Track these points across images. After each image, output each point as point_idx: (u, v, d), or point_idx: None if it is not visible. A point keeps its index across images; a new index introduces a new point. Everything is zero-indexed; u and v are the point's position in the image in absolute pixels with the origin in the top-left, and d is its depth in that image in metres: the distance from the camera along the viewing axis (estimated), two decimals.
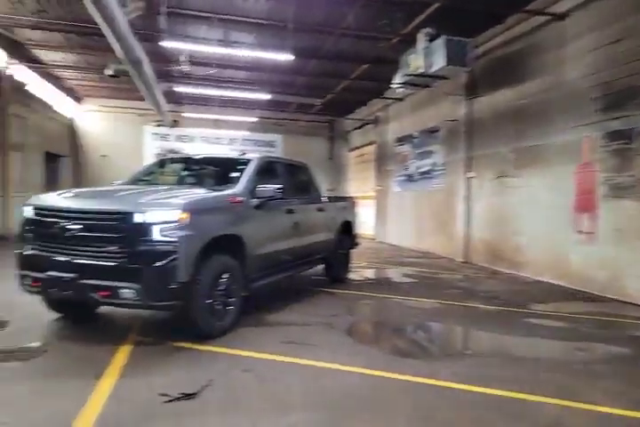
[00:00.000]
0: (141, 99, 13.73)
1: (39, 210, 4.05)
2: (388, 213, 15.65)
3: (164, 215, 3.75)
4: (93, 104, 18.08)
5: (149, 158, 18.22)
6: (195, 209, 3.93)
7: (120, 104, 17.86)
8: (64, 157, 17.60)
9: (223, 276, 4.23)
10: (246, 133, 19.04)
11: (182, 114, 17.12)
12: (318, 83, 14.45)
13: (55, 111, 16.24)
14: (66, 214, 3.85)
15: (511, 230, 9.04)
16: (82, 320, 4.62)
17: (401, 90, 11.14)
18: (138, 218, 3.68)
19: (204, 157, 6.11)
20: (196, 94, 15.51)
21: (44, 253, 3.95)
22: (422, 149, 13.15)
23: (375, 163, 16.55)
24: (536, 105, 8.37)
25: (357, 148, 18.79)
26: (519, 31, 8.87)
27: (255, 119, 17.40)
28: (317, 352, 3.84)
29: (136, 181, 5.55)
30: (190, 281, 3.81)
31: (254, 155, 5.54)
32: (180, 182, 5.77)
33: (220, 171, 5.68)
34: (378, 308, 5.69)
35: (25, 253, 4.07)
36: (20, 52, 12.57)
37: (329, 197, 7.09)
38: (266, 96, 12.97)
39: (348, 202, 7.86)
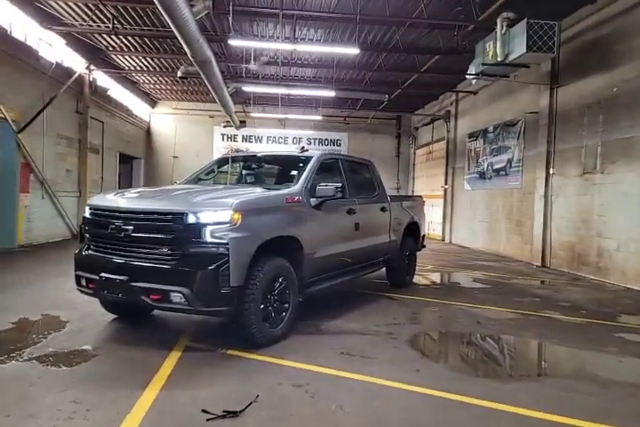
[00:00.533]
0: (212, 101, 14.03)
1: (95, 210, 4.02)
2: (457, 213, 14.87)
3: (216, 216, 3.55)
4: (167, 107, 18.80)
5: None
6: (248, 209, 3.71)
7: (192, 106, 18.45)
8: (138, 159, 18.44)
9: (278, 280, 3.99)
10: (311, 132, 18.94)
11: (250, 114, 17.30)
12: (386, 77, 13.99)
13: (132, 114, 17.01)
14: (118, 214, 3.77)
15: (597, 232, 8.13)
16: (137, 322, 4.56)
17: (475, 81, 10.47)
18: (188, 218, 3.51)
19: (264, 155, 5.92)
20: (262, 93, 15.61)
21: (98, 254, 3.90)
22: (497, 144, 12.30)
23: (444, 160, 15.79)
24: (630, 93, 7.44)
25: (425, 145, 18.07)
26: (611, 12, 7.94)
27: (320, 117, 17.18)
28: (376, 367, 3.48)
29: (196, 180, 5.47)
30: (243, 286, 3.60)
31: (315, 152, 5.26)
32: (240, 181, 5.62)
33: (279, 169, 5.46)
34: (444, 317, 5.20)
35: (81, 253, 4.05)
36: (98, 58, 13.24)
37: (394, 197, 6.66)
38: (331, 93, 12.68)
39: (415, 201, 7.39)
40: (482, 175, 13.12)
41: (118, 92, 15.52)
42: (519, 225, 10.99)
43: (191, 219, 3.51)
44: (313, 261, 4.46)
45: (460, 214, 14.64)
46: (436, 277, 8.12)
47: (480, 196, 13.19)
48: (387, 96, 13.68)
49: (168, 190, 4.32)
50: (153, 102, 18.84)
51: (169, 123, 19.00)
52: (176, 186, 5.01)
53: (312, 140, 18.94)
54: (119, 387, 2.98)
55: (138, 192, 4.20)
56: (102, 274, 3.69)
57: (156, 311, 4.70)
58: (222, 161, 5.74)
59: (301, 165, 4.87)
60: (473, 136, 13.80)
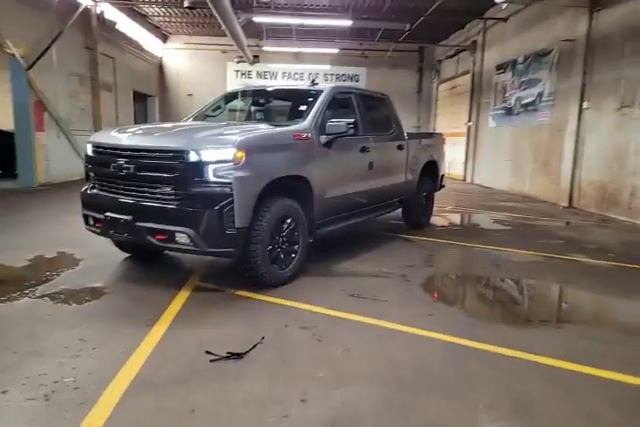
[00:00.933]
0: (224, 34, 13.30)
1: (97, 147, 3.86)
2: (480, 152, 14.32)
3: (218, 154, 3.36)
4: (178, 42, 18.01)
5: None
6: (252, 147, 3.49)
7: (204, 41, 17.63)
8: (152, 97, 18.01)
9: (286, 221, 3.85)
10: (328, 67, 18.05)
11: (263, 48, 16.45)
12: (407, 4, 12.89)
13: (143, 50, 16.36)
14: (119, 152, 3.60)
15: (631, 171, 7.70)
16: (149, 261, 4.56)
17: (506, 5, 9.59)
18: (190, 156, 3.32)
19: (274, 89, 5.55)
20: (275, 25, 14.71)
21: (103, 193, 3.80)
22: (527, 76, 11.49)
23: (468, 95, 14.96)
24: None
25: (449, 79, 17.09)
26: None
27: (337, 51, 16.22)
28: (387, 310, 3.41)
29: (203, 116, 5.22)
30: (249, 227, 3.48)
31: (326, 84, 4.90)
32: (248, 118, 5.35)
33: (290, 104, 5.14)
34: (462, 259, 5.07)
35: (86, 192, 3.96)
36: None
37: (412, 134, 6.31)
38: (347, 23, 11.84)
39: (435, 139, 7.02)
40: (508, 111, 12.42)
41: (127, 26, 14.80)
42: (546, 164, 10.52)
43: (193, 157, 3.33)
44: (323, 202, 4.29)
45: (483, 153, 14.10)
46: (455, 219, 7.92)
47: (506, 133, 12.58)
48: (408, 25, 12.73)
49: (170, 127, 4.11)
50: (164, 37, 18.02)
51: (182, 59, 18.29)
52: (179, 122, 4.78)
53: (329, 76, 18.07)
54: (126, 325, 2.99)
55: (140, 129, 4.00)
56: (107, 214, 3.61)
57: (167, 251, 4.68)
58: (230, 96, 5.43)
59: (311, 99, 4.55)
60: (501, 68, 12.91)
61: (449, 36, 16.60)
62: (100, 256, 4.57)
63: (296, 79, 18.15)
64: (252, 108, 5.34)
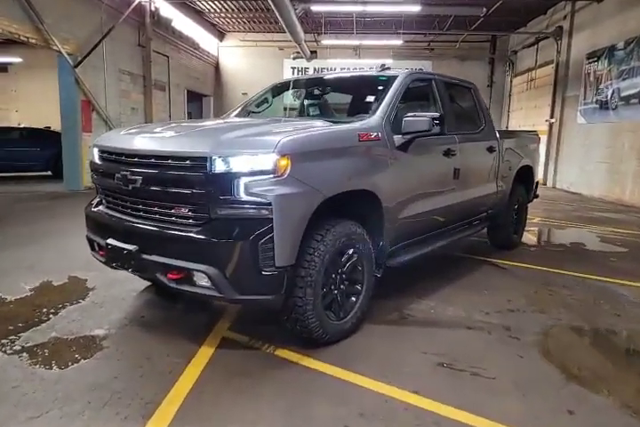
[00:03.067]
0: (281, 30, 12.54)
1: (102, 152, 2.97)
2: (564, 152, 12.56)
3: (253, 161, 2.35)
4: (234, 39, 17.45)
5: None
6: (300, 152, 2.46)
7: (260, 37, 16.98)
8: (207, 97, 17.54)
9: (346, 252, 2.80)
10: (390, 62, 16.76)
11: (322, 41, 15.44)
12: None
13: (199, 48, 15.89)
14: (124, 159, 2.68)
15: None
16: (169, 293, 3.65)
17: None
18: (214, 165, 2.34)
19: (333, 78, 4.43)
20: (335, 15, 13.69)
21: (108, 212, 2.92)
22: (629, 64, 9.73)
23: (551, 88, 13.21)
24: None
25: (526, 71, 15.34)
26: None
27: (400, 42, 14.91)
28: (500, 400, 2.26)
29: (246, 113, 4.25)
30: (294, 264, 2.46)
31: (400, 70, 3.79)
32: (301, 113, 4.34)
33: (353, 96, 4.07)
34: (580, 300, 3.75)
35: (91, 208, 3.09)
36: None
37: (504, 133, 5.06)
38: (415, 8, 10.60)
39: (529, 139, 5.69)
40: (603, 105, 10.68)
41: (183, 23, 14.32)
42: None
43: (218, 166, 2.34)
44: (396, 224, 3.20)
45: (568, 153, 12.34)
46: (550, 236, 6.52)
47: (599, 130, 10.83)
48: (484, 10, 11.28)
49: (193, 125, 3.15)
50: (220, 35, 17.50)
51: (237, 57, 17.70)
52: (210, 120, 3.86)
53: None
54: (109, 417, 2.04)
55: (156, 128, 3.07)
56: (109, 241, 2.71)
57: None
58: (280, 87, 4.42)
59: (382, 88, 3.46)
60: (593, 56, 11.16)
61: (527, 23, 14.89)
62: (115, 284, 3.72)
63: None
64: (306, 102, 4.31)
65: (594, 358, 2.79)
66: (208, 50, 16.79)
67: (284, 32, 11.78)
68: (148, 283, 3.74)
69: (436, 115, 3.13)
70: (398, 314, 3.30)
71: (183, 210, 2.49)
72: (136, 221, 2.65)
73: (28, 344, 2.69)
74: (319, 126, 2.91)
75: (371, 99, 3.46)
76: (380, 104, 3.23)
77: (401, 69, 3.89)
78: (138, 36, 11.80)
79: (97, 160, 3.00)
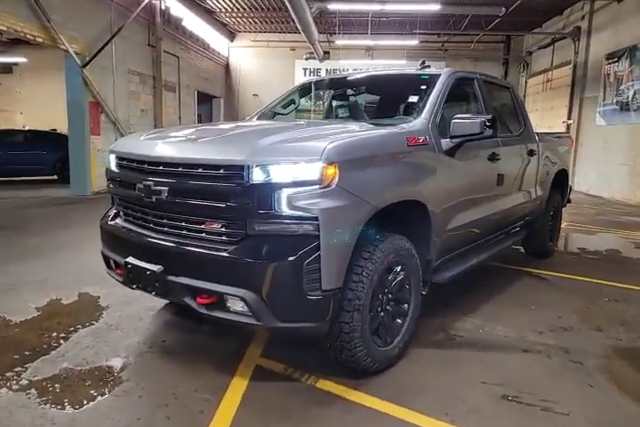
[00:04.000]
0: (293, 30, 12.28)
1: (120, 159, 2.68)
2: (583, 155, 12.21)
3: (297, 170, 2.07)
4: (246, 40, 17.22)
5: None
6: (348, 159, 2.17)
7: (272, 38, 16.71)
8: (217, 98, 17.29)
9: (394, 269, 2.51)
10: (403, 62, 16.49)
11: (335, 42, 15.12)
12: None
13: (209, 49, 15.64)
14: (147, 167, 2.39)
15: None
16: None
17: None
18: (252, 175, 2.05)
19: (365, 76, 4.06)
20: (350, 15, 13.38)
21: (127, 226, 2.63)
22: None
23: (568, 89, 12.88)
24: None
25: (542, 72, 15.01)
26: None
27: (416, 42, 14.59)
28: None
29: (271, 115, 3.96)
30: (342, 287, 2.17)
31: (441, 69, 3.48)
32: (330, 115, 4.04)
33: (388, 95, 3.76)
34: (638, 315, 3.46)
35: (107, 222, 2.81)
36: None
37: (542, 135, 4.75)
38: (434, 7, 10.30)
39: (564, 141, 5.39)
40: (624, 106, 10.35)
41: (193, 22, 14.07)
42: None
43: (256, 175, 2.06)
44: (443, 236, 2.91)
45: (587, 156, 12.00)
46: (582, 241, 6.18)
47: (619, 132, 10.50)
48: (503, 9, 10.97)
49: (225, 129, 2.86)
50: (231, 35, 17.25)
51: (249, 58, 17.44)
52: (240, 122, 3.57)
53: None
54: None
55: (182, 132, 2.78)
56: (129, 260, 2.42)
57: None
58: (306, 88, 4.12)
59: (424, 87, 3.16)
60: (614, 57, 10.83)
61: (542, 24, 14.59)
62: (131, 302, 3.42)
63: None
64: (335, 104, 4.00)
65: None
66: (218, 50, 16.55)
67: (297, 32, 11.53)
68: (165, 301, 3.46)
69: (489, 117, 2.83)
70: (444, 335, 3.00)
71: (215, 225, 2.20)
72: (161, 237, 2.35)
73: (37, 378, 2.39)
74: (364, 130, 2.61)
75: (412, 99, 3.17)
76: (425, 105, 2.93)
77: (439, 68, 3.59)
78: (148, 36, 11.55)
79: (114, 168, 2.71)
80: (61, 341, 2.83)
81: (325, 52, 14.94)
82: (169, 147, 2.42)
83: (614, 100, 10.75)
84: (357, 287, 2.22)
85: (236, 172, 2.09)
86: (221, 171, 2.13)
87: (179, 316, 3.28)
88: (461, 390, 2.34)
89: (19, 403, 2.18)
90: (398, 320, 2.62)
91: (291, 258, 2.03)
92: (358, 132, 2.55)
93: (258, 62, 17.37)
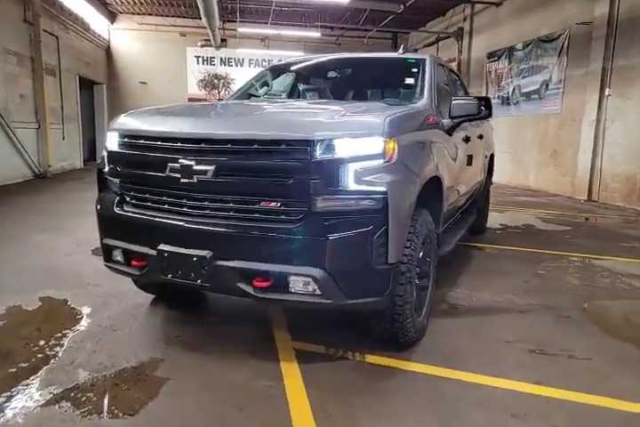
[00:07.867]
0: (184, 14, 11.59)
1: (133, 138, 2.39)
2: None
3: (360, 145, 2.05)
4: (130, 22, 15.83)
5: (193, 85, 16.29)
6: (402, 133, 2.22)
7: (160, 22, 15.66)
8: (99, 84, 15.80)
9: (425, 243, 2.61)
10: (300, 54, 16.65)
11: (238, 29, 14.62)
12: None
13: (89, 29, 14.17)
14: (183, 146, 2.17)
15: None
16: (185, 304, 3.15)
17: None
18: (316, 150, 1.99)
19: (346, 58, 4.01)
20: (251, 1, 13.06)
21: (149, 213, 2.36)
22: (528, 64, 10.75)
23: None
24: None
25: None
26: None
27: (319, 35, 14.75)
28: (610, 378, 2.27)
29: (247, 96, 3.76)
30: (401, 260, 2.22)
31: (421, 55, 3.63)
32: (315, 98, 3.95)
33: (374, 78, 3.79)
34: (580, 276, 3.95)
35: (112, 209, 2.49)
36: None
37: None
38: (344, 1, 10.55)
39: (490, 126, 5.94)
40: (505, 101, 11.69)
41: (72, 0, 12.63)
42: (555, 155, 9.86)
43: (322, 151, 2.00)
44: (445, 211, 3.09)
45: None
46: (498, 219, 6.89)
47: (501, 124, 11.77)
48: (402, 6, 11.65)
49: (254, 107, 2.68)
50: (112, 16, 15.80)
51: (133, 42, 16.12)
52: (246, 101, 3.35)
53: None
54: None
55: (208, 109, 2.54)
56: (164, 247, 2.18)
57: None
58: (278, 69, 3.99)
59: (414, 70, 3.29)
60: (494, 56, 12.14)
61: (426, 23, 15.74)
62: (110, 302, 3.07)
63: (264, 67, 16.64)
64: (314, 86, 3.94)
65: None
66: (99, 32, 15.09)
67: (187, 17, 10.96)
68: (151, 296, 3.17)
69: (483, 97, 3.06)
70: (447, 305, 3.20)
71: (273, 204, 2.09)
72: (203, 221, 2.16)
73: (59, 389, 2.06)
74: (395, 107, 2.64)
75: (408, 81, 3.27)
76: (424, 87, 3.07)
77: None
78: (24, 11, 10.14)
79: (124, 149, 2.41)
80: (57, 348, 2.46)
81: (222, 40, 14.48)
82: (214, 122, 2.23)
83: (496, 95, 12.06)
84: (409, 260, 2.28)
85: (300, 147, 2.01)
86: (283, 146, 2.03)
87: (175, 310, 3.04)
88: (495, 350, 2.54)
89: (57, 418, 1.87)
90: (423, 292, 2.74)
91: (362, 233, 2.02)
92: (399, 108, 2.55)
93: (145, 47, 16.18)
